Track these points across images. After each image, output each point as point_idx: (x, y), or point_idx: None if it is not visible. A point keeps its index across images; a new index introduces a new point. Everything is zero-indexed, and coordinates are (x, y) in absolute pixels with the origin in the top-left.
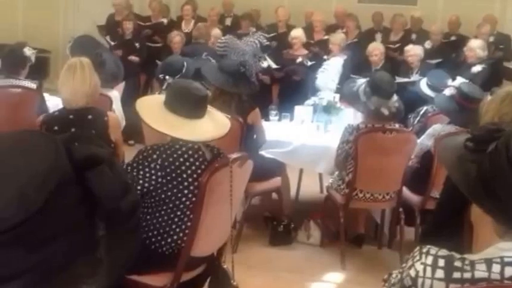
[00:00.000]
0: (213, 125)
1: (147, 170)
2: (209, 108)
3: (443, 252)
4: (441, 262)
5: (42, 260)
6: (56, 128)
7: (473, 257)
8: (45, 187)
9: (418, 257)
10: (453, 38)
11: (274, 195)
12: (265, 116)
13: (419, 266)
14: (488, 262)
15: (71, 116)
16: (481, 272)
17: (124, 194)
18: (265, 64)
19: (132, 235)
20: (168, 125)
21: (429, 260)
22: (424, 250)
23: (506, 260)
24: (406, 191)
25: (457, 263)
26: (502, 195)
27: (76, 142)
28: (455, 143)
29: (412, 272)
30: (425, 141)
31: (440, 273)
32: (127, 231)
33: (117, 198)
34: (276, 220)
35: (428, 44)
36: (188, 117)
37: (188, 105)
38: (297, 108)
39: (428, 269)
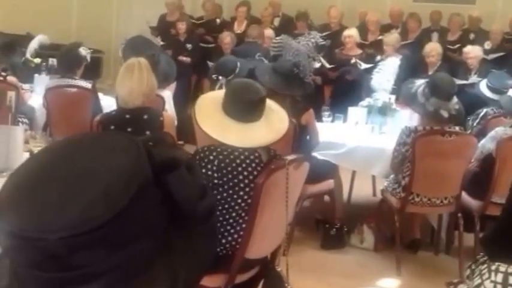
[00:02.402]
0: (266, 129)
1: (203, 171)
2: (270, 107)
3: None
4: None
5: (123, 261)
6: (112, 127)
7: None
8: (129, 187)
9: (487, 275)
10: None
11: (326, 198)
12: (318, 117)
13: (489, 285)
14: None
15: (127, 116)
16: None
17: (202, 197)
18: (318, 64)
19: (208, 240)
20: (219, 128)
21: (499, 277)
22: (493, 267)
23: None
24: (465, 196)
25: None
26: None
27: (157, 145)
28: None
29: None
30: (487, 144)
31: None
32: (204, 236)
33: (195, 201)
34: (328, 223)
35: (488, 45)
36: (241, 120)
37: (241, 108)
38: (351, 110)
39: (499, 287)
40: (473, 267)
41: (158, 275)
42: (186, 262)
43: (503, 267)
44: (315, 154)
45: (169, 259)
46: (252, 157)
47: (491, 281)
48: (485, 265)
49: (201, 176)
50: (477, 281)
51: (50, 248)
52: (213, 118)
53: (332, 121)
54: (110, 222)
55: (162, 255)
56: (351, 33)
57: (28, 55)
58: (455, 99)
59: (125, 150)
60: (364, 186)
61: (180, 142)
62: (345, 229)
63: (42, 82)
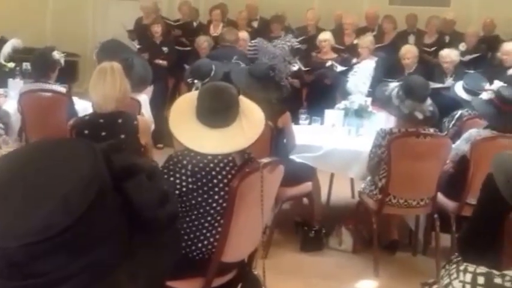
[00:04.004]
0: (240, 134)
1: (177, 175)
2: (243, 110)
3: (482, 269)
4: (480, 280)
5: (86, 266)
6: (86, 131)
7: None
8: (87, 194)
9: (455, 275)
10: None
11: (305, 201)
12: (295, 120)
13: (457, 284)
14: None
15: (101, 120)
16: None
17: (162, 204)
18: (295, 67)
19: (172, 245)
20: (192, 137)
21: (468, 277)
22: (462, 267)
23: None
24: (441, 197)
25: (497, 280)
26: None
27: (116, 151)
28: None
29: None
30: (461, 145)
31: None
32: (166, 241)
33: (155, 208)
34: (307, 225)
35: (463, 47)
36: (214, 127)
37: (213, 115)
38: (328, 112)
39: (468, 287)
40: (447, 267)
41: (121, 280)
42: (149, 267)
43: (471, 268)
44: (292, 157)
45: (132, 264)
46: (225, 161)
47: (460, 281)
48: (454, 265)
49: (164, 183)
50: (446, 280)
51: (12, 255)
52: (186, 126)
53: (309, 124)
54: (69, 228)
55: (124, 260)
56: (326, 37)
57: (1, 59)
58: (429, 100)
59: (83, 157)
60: (343, 188)
61: (160, 145)
62: (324, 231)
63: (16, 86)
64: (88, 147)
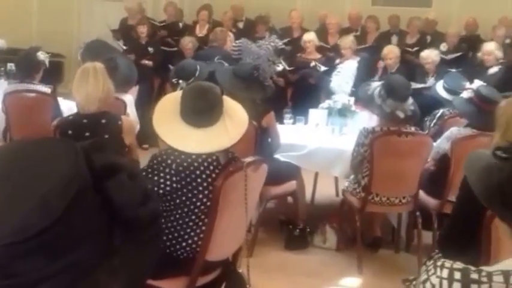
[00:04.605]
0: (224, 133)
1: (161, 175)
2: (227, 110)
3: (459, 264)
4: (457, 275)
5: (65, 267)
6: (69, 132)
7: (489, 268)
8: (66, 194)
9: (432, 270)
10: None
11: (290, 199)
12: (280, 119)
13: (435, 280)
14: (506, 274)
15: (85, 121)
16: (498, 283)
17: (143, 203)
18: (279, 67)
19: (153, 244)
20: (176, 136)
21: (445, 273)
22: (439, 263)
23: None
24: (422, 195)
25: (474, 275)
26: None
27: (96, 149)
28: (483, 152)
29: (428, 286)
30: (442, 144)
31: (457, 287)
32: (147, 240)
33: (136, 207)
34: (291, 224)
35: (444, 47)
36: (198, 126)
37: (197, 115)
38: (312, 112)
39: (445, 282)
40: (427, 263)
41: (102, 279)
42: (130, 266)
43: (448, 263)
44: (277, 156)
45: (113, 263)
46: (209, 160)
47: (437, 276)
48: (432, 261)
49: (145, 182)
50: (424, 276)
51: None
52: (171, 126)
53: (293, 123)
54: (48, 229)
55: (105, 259)
56: (310, 38)
57: None
58: (410, 100)
59: (63, 156)
60: (328, 187)
61: (145, 146)
62: (308, 230)
63: (0, 87)
64: (68, 147)
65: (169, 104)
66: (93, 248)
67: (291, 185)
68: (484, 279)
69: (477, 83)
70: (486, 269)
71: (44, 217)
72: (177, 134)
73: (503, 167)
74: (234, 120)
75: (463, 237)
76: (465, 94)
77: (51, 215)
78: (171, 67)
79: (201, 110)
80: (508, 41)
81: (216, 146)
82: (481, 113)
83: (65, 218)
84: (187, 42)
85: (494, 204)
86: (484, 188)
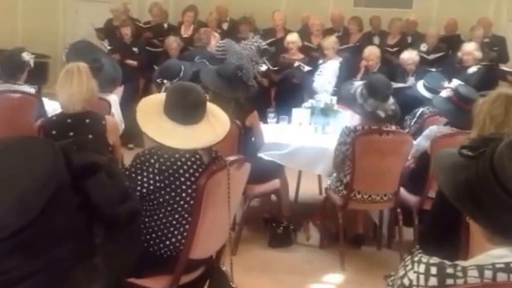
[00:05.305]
0: (209, 131)
1: (145, 174)
2: (209, 110)
3: (435, 260)
4: (433, 270)
5: (42, 267)
6: (53, 132)
7: (464, 263)
8: (43, 193)
9: (410, 266)
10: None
11: (273, 197)
12: (264, 119)
13: (412, 275)
14: (480, 268)
15: (69, 120)
16: (473, 278)
17: (122, 202)
18: (263, 68)
19: (132, 242)
20: (162, 132)
21: (421, 268)
22: (416, 259)
23: (497, 266)
24: (403, 192)
25: (449, 270)
26: (486, 202)
27: (76, 148)
28: (451, 150)
29: (406, 281)
30: (422, 142)
31: (433, 281)
32: (127, 239)
33: (115, 206)
34: (275, 222)
35: (424, 47)
36: (184, 123)
37: (184, 111)
38: (295, 111)
39: (422, 277)
40: (405, 259)
41: (81, 278)
42: (109, 264)
43: (425, 259)
44: (260, 155)
45: (92, 262)
46: (193, 159)
47: (414, 272)
48: (409, 257)
49: (124, 180)
50: (401, 272)
51: None
52: (155, 122)
53: (277, 122)
54: (25, 229)
55: (84, 258)
56: (294, 39)
57: None
58: (391, 99)
59: (42, 156)
60: (311, 185)
61: (131, 145)
62: (292, 227)
63: None
64: (47, 146)
65: (152, 104)
66: (72, 246)
67: (275, 183)
68: (460, 273)
69: (455, 82)
70: (461, 264)
71: (21, 216)
72: (165, 131)
73: (470, 165)
74: (218, 119)
75: (443, 233)
76: (444, 93)
77: (28, 215)
78: (156, 67)
79: (187, 108)
80: (486, 40)
81: (203, 141)
82: (459, 111)
83: (42, 217)
84: (172, 42)
85: (463, 203)
86: (452, 187)
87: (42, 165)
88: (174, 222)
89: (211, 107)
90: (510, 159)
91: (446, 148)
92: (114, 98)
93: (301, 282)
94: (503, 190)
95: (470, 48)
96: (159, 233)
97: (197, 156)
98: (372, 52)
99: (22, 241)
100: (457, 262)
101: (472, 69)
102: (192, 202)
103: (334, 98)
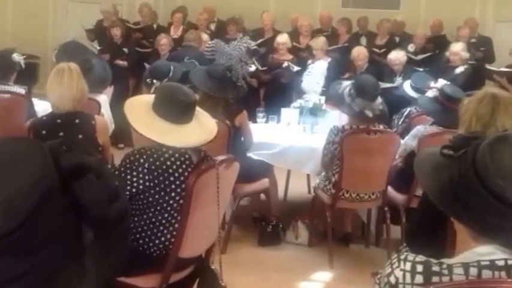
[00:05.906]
0: (199, 130)
1: (134, 174)
2: (197, 111)
3: (421, 258)
4: (419, 268)
5: (31, 269)
6: (43, 132)
7: (450, 261)
8: (32, 196)
9: (396, 264)
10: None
11: (263, 197)
12: (253, 118)
13: (398, 273)
14: (466, 266)
15: (59, 120)
16: (458, 275)
17: (111, 202)
18: (252, 68)
19: (121, 242)
20: (156, 131)
21: (408, 266)
22: (402, 257)
23: (482, 263)
24: (391, 191)
25: (435, 268)
26: (468, 201)
27: (65, 149)
28: (432, 151)
29: (392, 279)
30: (409, 141)
31: (419, 279)
32: (116, 238)
33: (104, 207)
34: (264, 221)
35: (411, 47)
36: (175, 122)
37: (175, 111)
38: (284, 111)
39: (408, 275)
40: (392, 257)
41: (71, 278)
42: (98, 264)
43: (411, 257)
44: (250, 154)
45: (81, 262)
46: (182, 158)
47: (401, 269)
48: (396, 255)
49: (113, 181)
50: (388, 270)
51: None
52: (147, 121)
53: (266, 122)
54: (14, 231)
55: (74, 258)
56: (284, 41)
57: None
58: (379, 99)
59: (30, 157)
60: (300, 184)
61: (121, 145)
62: (281, 226)
63: None
64: (36, 148)
65: (140, 104)
66: (61, 248)
67: (264, 182)
68: (445, 271)
69: (441, 82)
70: (447, 261)
71: (9, 219)
72: (159, 129)
73: (452, 166)
74: (207, 117)
75: (430, 231)
76: (430, 93)
77: (17, 217)
78: (147, 66)
79: (179, 106)
80: (473, 41)
81: (198, 139)
82: (445, 111)
83: (31, 220)
84: (162, 38)
85: (446, 203)
86: (435, 188)
87: (31, 167)
88: (164, 221)
89: (198, 108)
90: (492, 159)
91: (424, 149)
92: (104, 98)
93: (290, 280)
94: (487, 190)
95: (457, 49)
96: (149, 232)
97: (186, 156)
98: (359, 52)
99: (10, 243)
100: (442, 260)
101: (459, 69)
102: (181, 201)
103: (323, 98)
